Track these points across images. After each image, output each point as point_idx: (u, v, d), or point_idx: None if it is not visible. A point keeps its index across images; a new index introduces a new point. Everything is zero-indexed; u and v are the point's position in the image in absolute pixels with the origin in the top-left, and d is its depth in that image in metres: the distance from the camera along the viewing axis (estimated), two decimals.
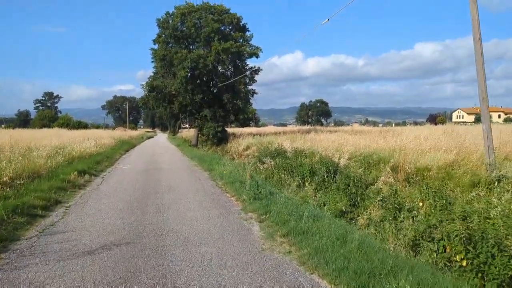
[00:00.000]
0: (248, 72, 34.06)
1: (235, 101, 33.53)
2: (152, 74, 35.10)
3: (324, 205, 10.59)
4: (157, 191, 10.18)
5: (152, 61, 33.76)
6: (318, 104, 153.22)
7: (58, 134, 30.25)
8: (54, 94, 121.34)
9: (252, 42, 33.85)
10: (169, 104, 33.24)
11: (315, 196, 11.57)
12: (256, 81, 35.19)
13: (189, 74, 31.08)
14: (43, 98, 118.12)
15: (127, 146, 30.96)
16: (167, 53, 31.66)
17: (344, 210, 9.57)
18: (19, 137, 23.46)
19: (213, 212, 7.65)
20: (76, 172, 11.75)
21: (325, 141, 20.94)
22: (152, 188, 10.66)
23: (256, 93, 35.73)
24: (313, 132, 31.99)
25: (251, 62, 37.73)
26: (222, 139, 32.67)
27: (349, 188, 10.15)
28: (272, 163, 17.45)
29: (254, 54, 33.19)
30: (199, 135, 35.70)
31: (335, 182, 11.47)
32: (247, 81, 34.51)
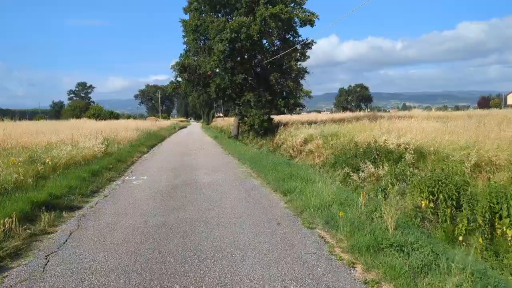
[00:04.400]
0: (299, 46, 27.04)
1: (283, 82, 26.69)
2: (183, 52, 28.81)
3: None
4: None
5: (183, 35, 27.49)
6: (358, 89, 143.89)
7: (76, 127, 24.84)
8: (88, 84, 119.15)
9: (306, 6, 26.67)
10: (204, 88, 26.90)
11: None
12: (308, 57, 28.04)
13: (228, 49, 24.51)
14: (76, 89, 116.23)
15: (154, 140, 24.96)
16: (201, 23, 25.25)
17: None
18: (20, 130, 18.08)
19: None
20: (17, 213, 5.48)
21: (429, 130, 13.84)
22: (175, 272, 4.14)
23: (308, 72, 28.46)
24: (380, 118, 25.08)
25: (301, 34, 30.61)
26: (268, 129, 26.10)
27: None
28: (375, 172, 10.76)
29: (309, 21, 26.01)
30: (240, 124, 29.27)
31: None
32: (298, 56, 27.45)
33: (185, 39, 27.81)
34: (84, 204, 7.15)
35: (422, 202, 7.62)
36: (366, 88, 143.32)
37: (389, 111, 77.12)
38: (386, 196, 9.28)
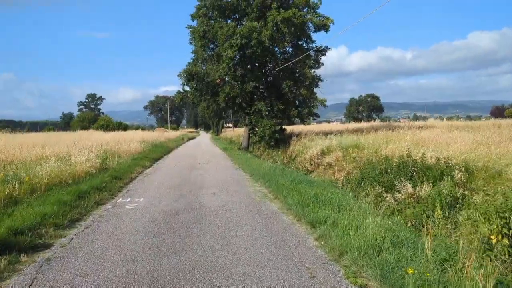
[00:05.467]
0: (312, 52, 25.52)
1: (296, 91, 25.15)
2: (191, 60, 27.48)
3: None
4: None
5: (191, 42, 26.20)
6: (369, 99, 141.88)
7: (80, 138, 23.56)
8: (97, 96, 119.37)
9: (320, 11, 25.26)
10: (213, 97, 25.47)
11: None
12: (322, 64, 26.54)
13: (237, 55, 23.12)
14: (86, 100, 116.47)
15: (159, 152, 23.46)
16: (209, 29, 23.97)
17: None
18: (15, 143, 16.83)
19: None
20: None
21: (465, 142, 12.15)
22: None
23: (322, 80, 26.79)
24: (398, 128, 23.57)
25: (315, 39, 29.10)
26: (280, 140, 24.49)
27: None
28: (414, 192, 9.07)
29: (324, 26, 24.61)
30: (250, 135, 27.70)
31: None
32: (312, 62, 25.92)
33: (193, 47, 26.60)
34: (55, 241, 5.52)
35: (493, 236, 5.87)
36: (377, 98, 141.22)
37: (399, 121, 74.83)
38: (434, 218, 7.61)
